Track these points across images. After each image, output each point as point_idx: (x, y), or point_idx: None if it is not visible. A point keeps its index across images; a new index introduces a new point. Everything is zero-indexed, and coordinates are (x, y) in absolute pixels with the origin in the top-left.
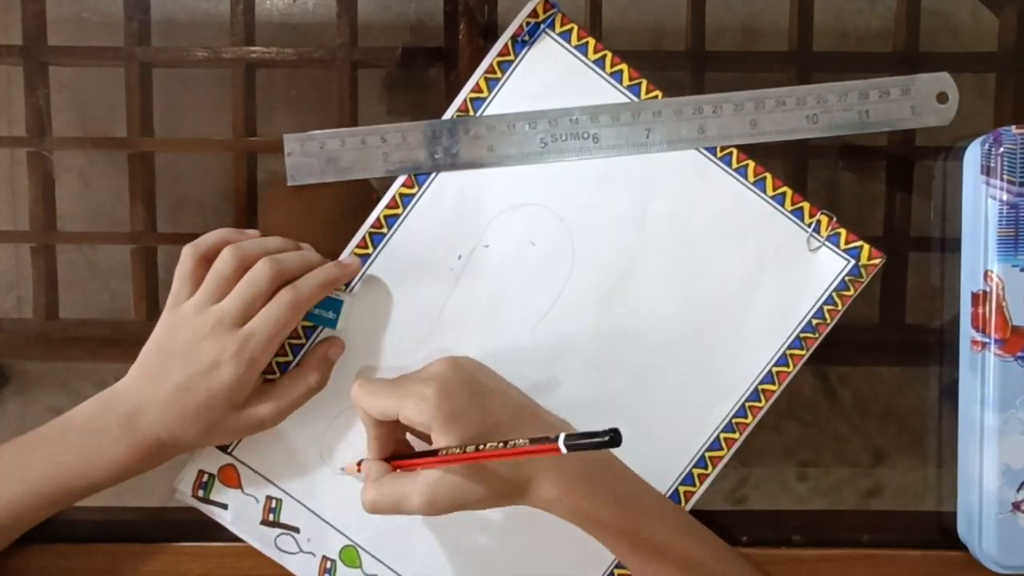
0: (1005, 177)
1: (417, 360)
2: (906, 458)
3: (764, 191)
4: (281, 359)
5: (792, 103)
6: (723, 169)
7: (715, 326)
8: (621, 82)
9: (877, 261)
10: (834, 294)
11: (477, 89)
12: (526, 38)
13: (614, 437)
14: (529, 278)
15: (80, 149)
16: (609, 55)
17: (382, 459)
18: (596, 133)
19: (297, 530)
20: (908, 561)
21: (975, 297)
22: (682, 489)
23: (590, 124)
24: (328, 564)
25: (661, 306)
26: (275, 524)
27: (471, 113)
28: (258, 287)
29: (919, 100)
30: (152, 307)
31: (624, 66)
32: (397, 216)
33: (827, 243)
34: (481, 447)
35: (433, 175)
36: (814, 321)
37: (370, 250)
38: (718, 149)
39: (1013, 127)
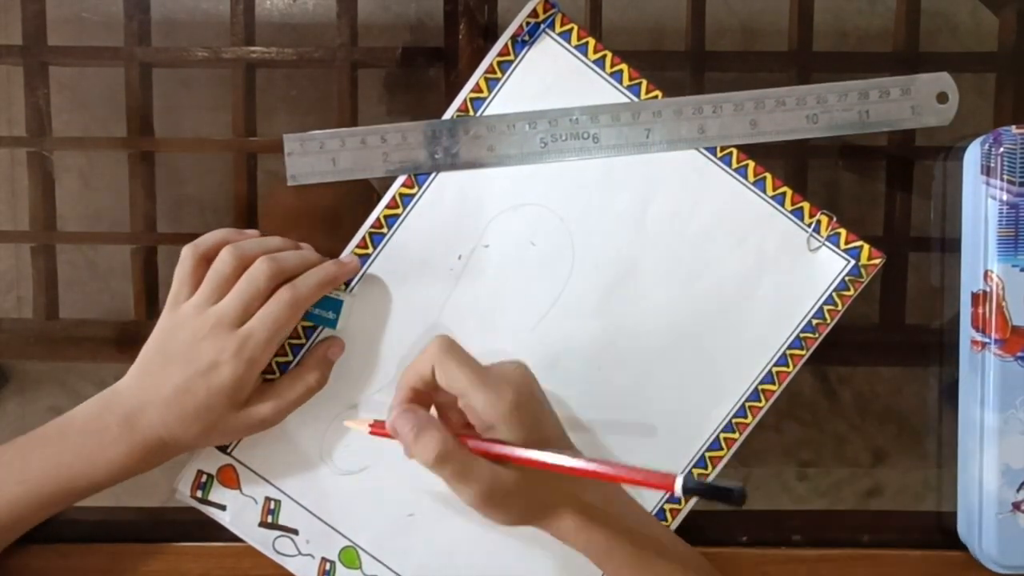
0: (1005, 177)
1: None
2: (906, 458)
3: (764, 191)
4: (281, 359)
5: (792, 103)
6: (723, 169)
7: (715, 326)
8: (621, 82)
9: (877, 261)
10: (834, 294)
11: (477, 89)
12: (526, 38)
13: (739, 493)
14: (529, 278)
15: (80, 149)
16: (609, 55)
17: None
18: (596, 133)
19: (296, 532)
20: (908, 561)
21: (975, 297)
22: None
23: (590, 124)
24: (327, 566)
25: (661, 306)
26: (273, 526)
27: (471, 113)
28: (256, 286)
29: (919, 100)
30: (152, 307)
31: (624, 66)
32: (397, 216)
33: (827, 243)
34: (604, 466)
35: (433, 175)
36: (814, 321)
37: (370, 250)
38: (718, 149)
39: (1013, 127)
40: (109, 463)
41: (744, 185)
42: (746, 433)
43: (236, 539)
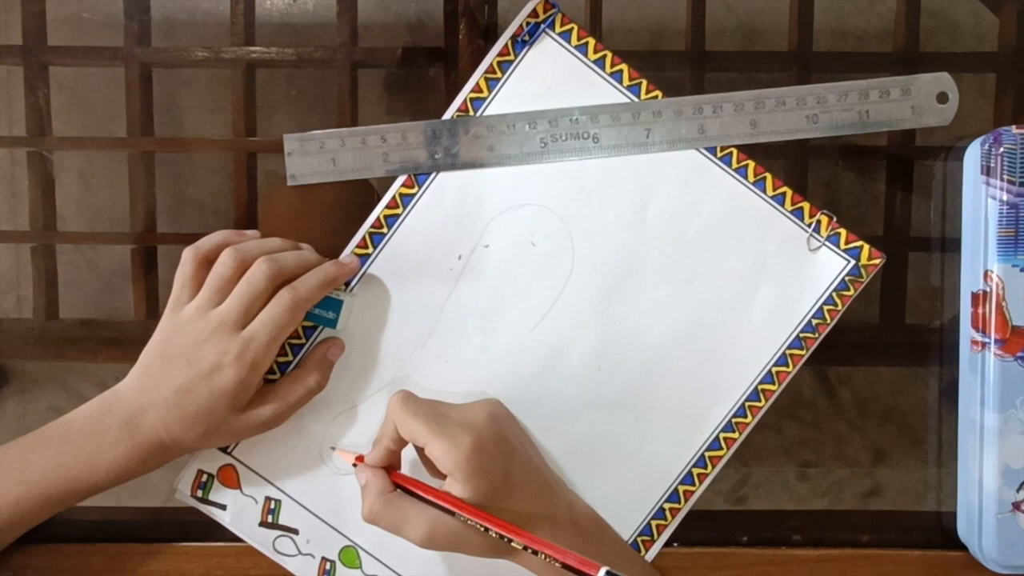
0: (1005, 177)
1: (417, 361)
2: (906, 458)
3: (764, 191)
4: (281, 359)
5: (792, 103)
6: (723, 169)
7: (715, 326)
8: (621, 82)
9: (877, 261)
10: (834, 294)
11: (477, 89)
12: (526, 38)
13: None
14: (529, 278)
15: (80, 149)
16: (609, 55)
17: (382, 468)
18: (596, 133)
19: (296, 531)
20: (908, 561)
21: (975, 297)
22: (682, 489)
23: (590, 124)
24: (327, 565)
25: (661, 306)
26: (274, 526)
27: (471, 113)
28: (256, 287)
29: (919, 100)
30: (152, 307)
31: (624, 66)
32: (397, 216)
33: (827, 243)
34: (518, 542)
35: (433, 175)
36: (814, 321)
37: (370, 250)
38: (718, 149)
39: (1013, 127)
40: (109, 465)
41: (744, 185)
42: (746, 433)
43: (236, 539)
